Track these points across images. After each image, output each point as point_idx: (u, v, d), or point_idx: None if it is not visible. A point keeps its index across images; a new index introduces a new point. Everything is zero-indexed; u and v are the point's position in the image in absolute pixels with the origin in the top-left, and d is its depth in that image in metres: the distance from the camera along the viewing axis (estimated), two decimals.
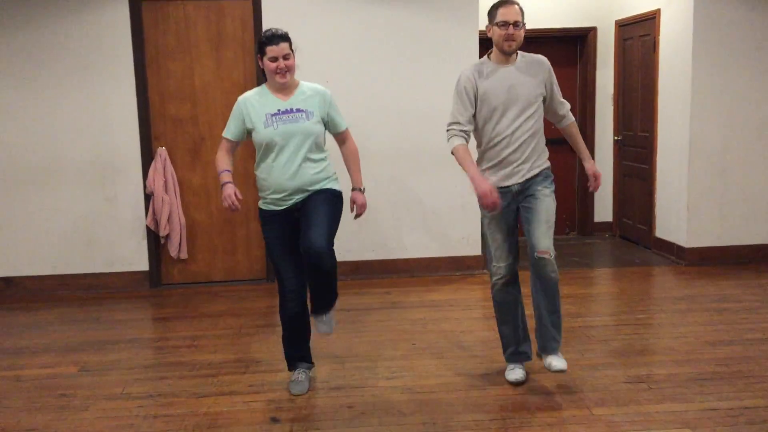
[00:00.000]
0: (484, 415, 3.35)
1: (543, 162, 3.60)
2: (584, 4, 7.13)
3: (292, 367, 3.74)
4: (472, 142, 3.61)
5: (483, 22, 5.87)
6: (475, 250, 5.91)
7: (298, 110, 3.48)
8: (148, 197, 5.61)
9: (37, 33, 5.43)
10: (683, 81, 6.00)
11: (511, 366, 3.74)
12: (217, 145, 5.64)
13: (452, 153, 3.52)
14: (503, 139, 3.49)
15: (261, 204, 3.63)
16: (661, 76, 6.35)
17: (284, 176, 3.46)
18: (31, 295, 5.63)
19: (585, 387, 3.62)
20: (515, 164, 3.51)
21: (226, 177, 3.58)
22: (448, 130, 3.55)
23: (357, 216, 3.68)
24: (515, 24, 3.42)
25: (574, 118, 3.76)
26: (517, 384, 3.66)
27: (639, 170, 6.82)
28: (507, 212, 3.56)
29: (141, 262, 5.72)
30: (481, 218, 3.70)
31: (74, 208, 5.62)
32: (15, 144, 5.52)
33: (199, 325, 4.79)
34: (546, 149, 3.64)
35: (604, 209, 7.42)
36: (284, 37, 3.43)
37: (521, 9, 3.48)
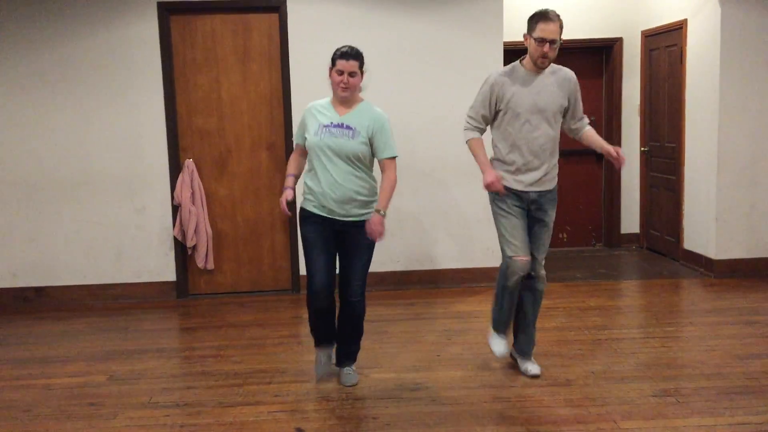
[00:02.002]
0: (509, 427, 3.33)
1: (556, 174, 3.80)
2: (610, 14, 7.10)
3: (317, 343, 3.95)
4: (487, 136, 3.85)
5: (507, 34, 5.95)
6: (500, 261, 5.88)
7: (347, 127, 3.61)
8: (176, 208, 5.68)
9: (68, 48, 5.54)
10: (711, 91, 5.94)
11: (500, 338, 3.91)
12: (242, 157, 5.75)
13: (467, 143, 3.81)
14: (524, 144, 3.67)
15: (303, 204, 3.76)
16: (688, 87, 6.30)
17: (327, 186, 3.60)
18: (60, 304, 5.72)
19: (612, 400, 3.58)
20: (534, 172, 3.69)
21: (288, 182, 3.86)
22: (466, 122, 3.82)
23: (370, 235, 3.60)
24: (551, 42, 3.52)
25: (588, 123, 3.89)
26: (501, 357, 3.93)
27: (666, 181, 6.75)
28: (522, 213, 3.75)
29: (168, 273, 5.79)
30: (496, 220, 3.80)
31: (103, 220, 5.71)
32: (47, 156, 5.63)
33: (225, 336, 4.83)
34: (557, 162, 3.82)
35: (631, 221, 7.35)
36: (356, 56, 3.60)
37: (561, 25, 3.55)
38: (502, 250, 3.77)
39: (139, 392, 3.87)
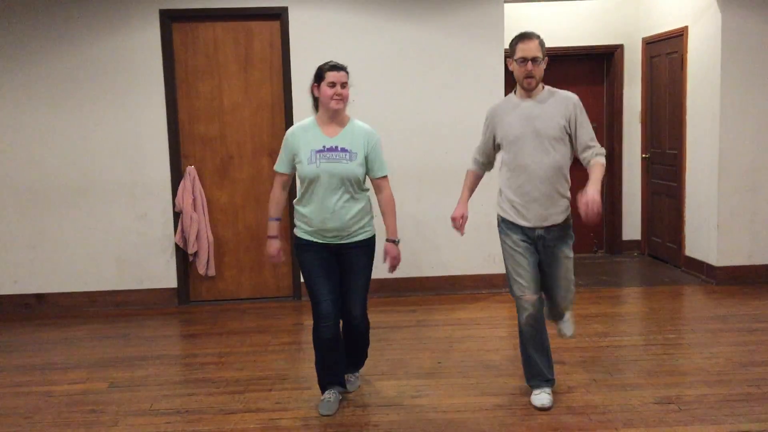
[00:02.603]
0: None
1: (565, 207, 3.55)
2: (611, 21, 7.12)
3: (324, 389, 3.69)
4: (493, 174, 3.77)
5: (508, 41, 5.95)
6: (501, 268, 5.81)
7: (342, 149, 3.48)
8: (177, 215, 5.69)
9: (71, 55, 5.56)
10: (712, 98, 5.95)
11: (537, 391, 3.64)
12: (244, 163, 5.75)
13: None
14: (523, 173, 3.49)
15: (297, 232, 3.63)
16: (689, 93, 6.30)
17: (324, 213, 3.49)
18: (62, 311, 5.72)
19: (613, 407, 3.57)
20: (535, 204, 3.48)
21: (272, 230, 3.70)
22: (473, 161, 3.82)
23: (391, 269, 3.68)
24: (534, 60, 3.41)
25: (603, 161, 3.49)
26: (544, 409, 3.57)
27: (668, 188, 6.75)
28: (530, 249, 3.55)
29: (170, 280, 5.79)
30: (504, 256, 3.65)
31: (105, 226, 5.72)
32: (49, 163, 5.64)
33: (226, 342, 4.83)
34: (568, 192, 3.57)
35: (632, 227, 7.34)
36: (345, 68, 3.53)
37: (541, 43, 3.46)
38: (510, 288, 3.64)
39: (140, 399, 3.87)
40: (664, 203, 6.84)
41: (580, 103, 3.53)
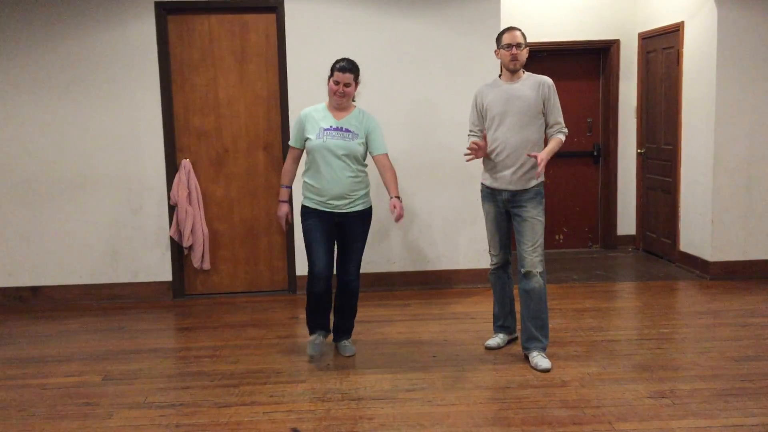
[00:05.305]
0: (504, 428, 3.34)
1: (533, 176, 4.07)
2: (607, 16, 7.11)
3: (312, 331, 4.33)
4: None
5: None
6: None
7: (347, 130, 4.10)
8: (172, 208, 5.68)
9: (66, 48, 5.54)
10: (707, 93, 5.96)
11: (494, 335, 4.45)
12: (239, 157, 5.74)
13: None
14: (499, 144, 4.06)
15: (305, 202, 4.19)
16: (684, 89, 6.31)
17: (328, 182, 4.07)
18: (57, 304, 5.71)
19: (607, 401, 3.59)
20: (507, 170, 4.05)
21: (283, 195, 4.29)
22: (468, 136, 4.27)
23: (398, 219, 4.05)
24: (518, 45, 4.03)
25: (562, 138, 4.10)
26: (492, 349, 4.34)
27: (663, 183, 6.76)
28: (498, 213, 4.19)
29: (164, 273, 5.78)
30: (484, 215, 4.28)
31: (100, 219, 5.70)
32: (44, 156, 5.62)
33: (221, 336, 4.83)
34: (537, 164, 4.01)
35: (627, 222, 7.36)
36: (352, 70, 4.08)
37: (523, 34, 4.08)
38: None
39: (135, 392, 3.87)
40: (659, 198, 6.86)
41: (554, 86, 4.11)
